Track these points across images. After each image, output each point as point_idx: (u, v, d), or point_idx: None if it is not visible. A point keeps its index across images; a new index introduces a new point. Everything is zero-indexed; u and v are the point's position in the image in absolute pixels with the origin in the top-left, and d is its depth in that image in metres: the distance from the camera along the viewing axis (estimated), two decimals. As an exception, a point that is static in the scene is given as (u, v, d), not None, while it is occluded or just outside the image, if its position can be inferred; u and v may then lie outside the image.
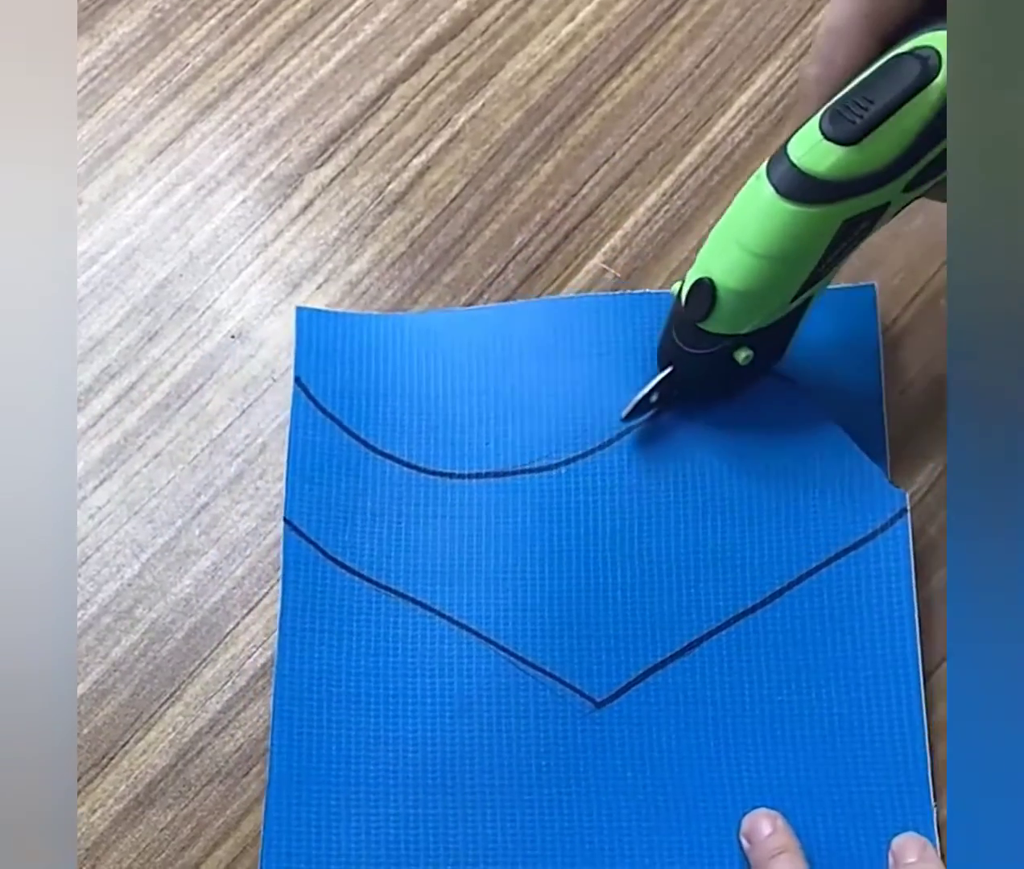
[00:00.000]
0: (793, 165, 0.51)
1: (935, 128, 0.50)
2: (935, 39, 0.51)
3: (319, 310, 0.63)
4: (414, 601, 0.57)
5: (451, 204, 0.66)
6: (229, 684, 0.56)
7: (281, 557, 0.58)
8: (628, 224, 0.66)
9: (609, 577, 0.57)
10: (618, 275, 0.64)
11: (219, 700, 0.56)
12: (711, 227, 0.54)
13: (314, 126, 0.68)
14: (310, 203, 0.66)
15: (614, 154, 0.67)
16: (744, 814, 0.54)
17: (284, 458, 0.60)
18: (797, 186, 0.51)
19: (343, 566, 0.58)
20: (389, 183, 0.67)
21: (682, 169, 0.67)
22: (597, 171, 0.67)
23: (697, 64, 0.70)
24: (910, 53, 0.51)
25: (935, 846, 0.54)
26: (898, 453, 0.59)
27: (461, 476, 0.59)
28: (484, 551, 0.58)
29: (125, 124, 0.68)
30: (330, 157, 0.68)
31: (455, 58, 0.70)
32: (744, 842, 0.54)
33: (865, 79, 0.51)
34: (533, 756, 0.55)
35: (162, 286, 0.64)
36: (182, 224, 0.66)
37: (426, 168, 0.67)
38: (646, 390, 0.58)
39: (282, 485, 0.59)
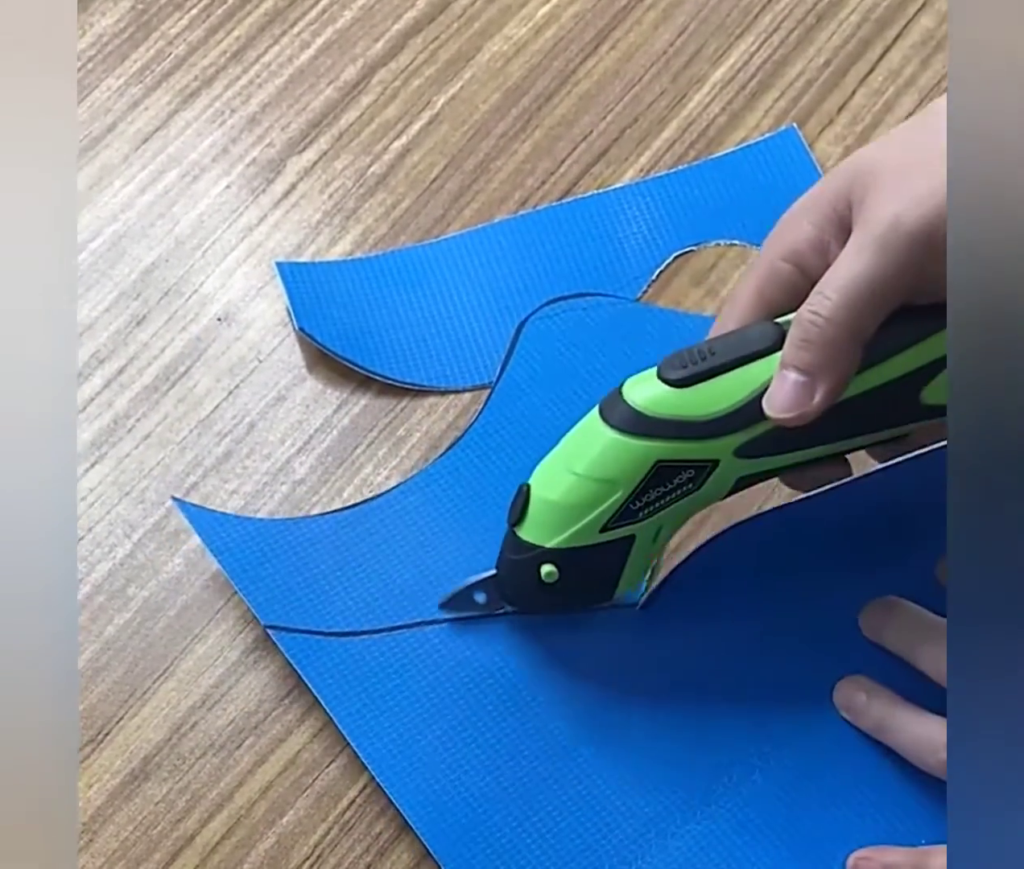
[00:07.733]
0: (619, 390, 0.51)
1: None
2: None
3: (300, 263, 0.64)
4: (423, 624, 0.57)
5: (432, 185, 0.67)
6: (220, 659, 0.57)
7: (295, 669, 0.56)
8: (606, 200, 0.67)
9: None
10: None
11: (211, 675, 0.57)
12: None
13: (295, 111, 0.69)
14: (293, 187, 0.67)
15: (591, 132, 0.68)
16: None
17: (271, 437, 0.61)
18: (614, 410, 0.51)
19: (346, 635, 0.56)
20: (370, 166, 0.68)
21: (658, 145, 0.68)
22: (575, 149, 0.68)
23: (672, 42, 0.71)
24: (773, 321, 0.51)
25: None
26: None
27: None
28: (459, 528, 0.58)
29: (110, 114, 0.69)
30: (312, 141, 0.69)
31: (433, 41, 0.71)
32: (846, 715, 0.54)
33: (722, 334, 0.52)
34: (604, 686, 0.55)
35: (149, 271, 0.65)
36: (168, 210, 0.67)
37: (406, 150, 0.68)
38: (469, 583, 0.56)
39: (270, 463, 0.61)
